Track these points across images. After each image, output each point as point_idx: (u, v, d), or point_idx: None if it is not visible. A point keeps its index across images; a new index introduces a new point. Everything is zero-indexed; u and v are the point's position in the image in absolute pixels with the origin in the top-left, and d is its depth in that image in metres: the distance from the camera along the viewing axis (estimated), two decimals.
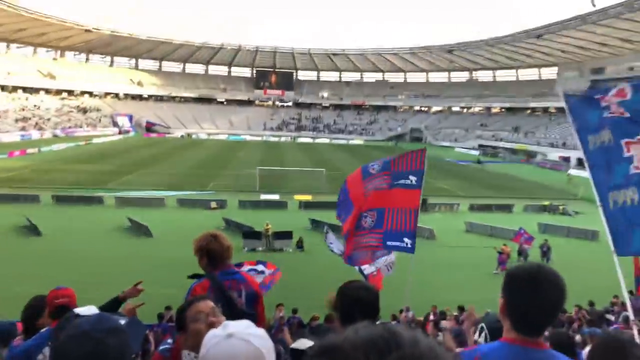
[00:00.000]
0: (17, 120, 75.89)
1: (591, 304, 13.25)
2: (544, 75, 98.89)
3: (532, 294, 1.82)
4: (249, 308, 3.47)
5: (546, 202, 34.19)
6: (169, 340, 3.52)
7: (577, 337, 8.20)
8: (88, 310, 2.30)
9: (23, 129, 73.62)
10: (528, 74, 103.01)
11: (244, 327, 1.50)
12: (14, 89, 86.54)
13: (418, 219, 7.90)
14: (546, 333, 2.35)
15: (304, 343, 3.95)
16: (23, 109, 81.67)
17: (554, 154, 67.72)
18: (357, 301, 2.41)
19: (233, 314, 3.32)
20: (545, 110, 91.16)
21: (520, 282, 1.86)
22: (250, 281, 3.59)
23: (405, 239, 7.72)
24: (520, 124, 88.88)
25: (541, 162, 65.79)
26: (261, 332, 1.53)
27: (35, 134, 72.54)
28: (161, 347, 3.65)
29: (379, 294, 2.52)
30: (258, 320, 3.62)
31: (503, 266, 19.90)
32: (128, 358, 1.48)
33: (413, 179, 7.80)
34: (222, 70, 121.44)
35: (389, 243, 7.74)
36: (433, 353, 0.56)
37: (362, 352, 0.56)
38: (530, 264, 1.96)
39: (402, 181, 7.76)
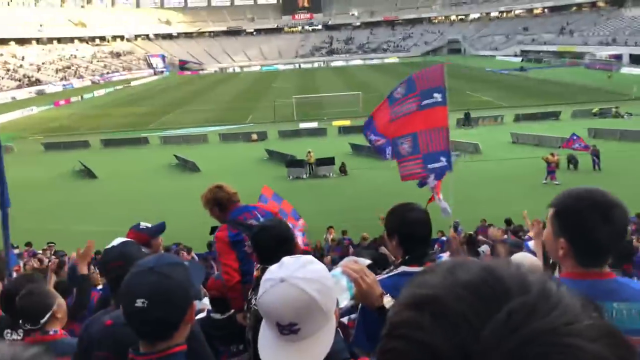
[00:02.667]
0: (57, 71, 77.44)
1: None
2: None
3: (608, 229, 1.63)
4: None
5: (595, 110, 32.54)
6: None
7: None
8: (115, 241, 2.58)
9: (63, 78, 75.22)
10: None
11: (297, 268, 1.41)
12: (49, 40, 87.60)
13: (449, 135, 7.92)
14: None
15: (362, 262, 4.09)
16: (60, 59, 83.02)
17: (604, 53, 63.59)
18: (415, 222, 2.37)
19: None
20: (593, 5, 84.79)
21: (591, 220, 1.64)
22: (262, 206, 3.77)
23: (442, 158, 7.81)
24: (565, 24, 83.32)
25: (589, 62, 62.02)
26: (316, 271, 1.43)
27: (75, 83, 74.10)
28: (217, 273, 3.90)
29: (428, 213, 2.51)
30: None
31: (552, 175, 19.48)
32: (191, 292, 1.60)
33: (437, 96, 7.65)
34: None
35: (429, 166, 7.87)
36: (548, 298, 0.50)
37: (467, 305, 0.50)
38: (580, 191, 1.72)
39: (428, 100, 7.63)
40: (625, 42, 63.62)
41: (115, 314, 2.07)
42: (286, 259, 1.49)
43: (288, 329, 1.39)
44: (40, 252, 12.41)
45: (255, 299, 2.36)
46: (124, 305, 1.56)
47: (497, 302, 0.50)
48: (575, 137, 20.84)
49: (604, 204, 1.65)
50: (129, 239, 2.69)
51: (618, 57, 60.64)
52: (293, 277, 1.38)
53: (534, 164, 20.93)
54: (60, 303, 2.68)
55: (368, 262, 3.50)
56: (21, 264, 9.13)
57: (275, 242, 2.39)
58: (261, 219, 3.54)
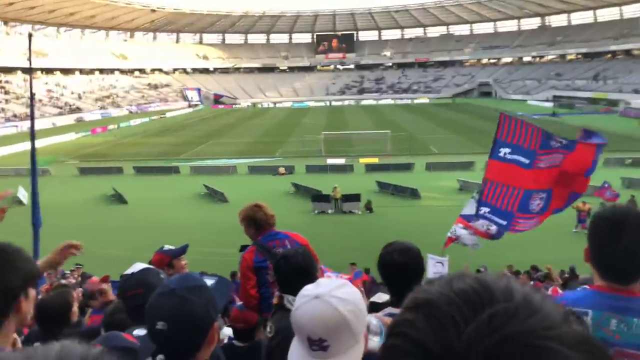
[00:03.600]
0: (96, 100, 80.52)
1: None
2: (625, 13, 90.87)
3: (614, 238, 1.68)
4: None
5: (628, 161, 31.83)
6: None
7: None
8: (134, 267, 2.54)
9: (102, 107, 78.09)
10: (607, 14, 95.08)
11: (332, 288, 1.46)
12: (91, 71, 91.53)
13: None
14: None
15: (381, 297, 4.12)
16: (100, 89, 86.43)
17: (639, 101, 62.58)
18: (392, 264, 2.40)
19: None
20: (628, 52, 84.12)
21: (603, 226, 1.74)
22: (295, 237, 3.71)
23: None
24: (600, 70, 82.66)
25: (624, 110, 61.01)
26: (351, 293, 1.48)
27: (113, 112, 76.74)
28: (239, 304, 3.94)
29: (419, 255, 2.48)
30: None
31: (583, 224, 19.02)
32: (212, 313, 1.64)
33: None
34: (283, 38, 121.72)
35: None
36: (530, 305, 0.54)
37: (456, 308, 0.55)
38: (615, 208, 1.83)
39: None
40: None
41: None
42: (323, 280, 1.57)
43: (318, 345, 1.44)
44: (69, 272, 12.68)
45: (271, 326, 2.41)
46: (148, 326, 1.62)
47: (482, 307, 0.54)
48: (607, 185, 20.33)
49: (619, 218, 1.72)
50: (148, 266, 2.65)
51: None
52: (328, 294, 1.44)
53: (566, 212, 20.46)
54: (75, 310, 2.81)
55: (387, 297, 3.53)
56: (48, 284, 9.34)
57: (295, 272, 2.40)
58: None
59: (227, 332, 4.21)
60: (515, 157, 6.31)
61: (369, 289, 11.32)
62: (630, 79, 73.37)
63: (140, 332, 2.17)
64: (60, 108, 71.06)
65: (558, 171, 6.27)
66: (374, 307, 3.80)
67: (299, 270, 2.41)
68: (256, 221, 3.73)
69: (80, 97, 79.01)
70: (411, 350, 0.55)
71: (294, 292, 2.36)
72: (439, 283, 0.61)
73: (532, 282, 10.37)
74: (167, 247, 3.63)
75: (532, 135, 6.35)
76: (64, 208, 22.68)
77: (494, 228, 7.40)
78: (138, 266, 2.58)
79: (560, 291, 9.04)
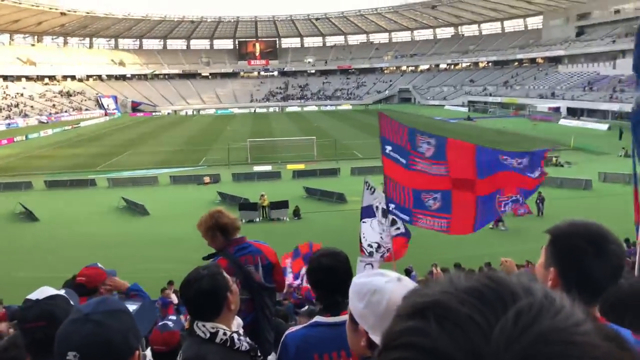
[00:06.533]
0: (0, 109, 74.65)
1: None
2: (529, 25, 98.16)
3: (599, 262, 1.54)
4: (267, 280, 3.46)
5: None
6: (172, 317, 3.56)
7: None
8: (42, 292, 2.15)
9: (8, 117, 72.49)
10: (513, 25, 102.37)
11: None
12: None
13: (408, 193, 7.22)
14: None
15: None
16: (5, 98, 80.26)
17: (544, 105, 67.61)
18: (324, 269, 2.39)
19: (252, 288, 3.34)
20: (533, 61, 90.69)
21: (582, 250, 1.56)
22: (266, 252, 3.55)
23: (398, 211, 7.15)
24: (508, 77, 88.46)
25: (531, 114, 65.69)
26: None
27: (20, 122, 71.46)
28: (160, 323, 3.68)
29: (346, 259, 2.49)
30: (278, 285, 3.65)
31: (495, 223, 20.00)
32: (132, 340, 1.47)
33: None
34: (204, 43, 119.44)
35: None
36: (552, 303, 0.50)
37: (472, 308, 0.49)
38: (577, 222, 1.65)
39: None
40: (562, 96, 67.95)
41: None
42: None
43: None
44: None
45: (180, 354, 2.22)
46: (56, 358, 1.41)
47: (503, 304, 0.49)
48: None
49: (600, 237, 1.58)
50: (57, 293, 2.21)
51: (557, 110, 64.53)
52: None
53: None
54: None
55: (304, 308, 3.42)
56: None
57: (199, 297, 2.21)
58: (260, 268, 3.42)
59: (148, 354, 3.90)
60: (395, 155, 6.78)
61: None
62: (535, 84, 79.03)
63: None
64: None
65: (449, 179, 6.59)
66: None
67: (203, 295, 2.20)
68: (222, 227, 3.45)
69: None
70: None
71: (204, 317, 2.19)
72: (439, 283, 0.55)
73: None
74: (99, 264, 3.36)
75: (404, 134, 6.82)
76: None
77: (394, 229, 7.52)
78: (45, 292, 2.17)
79: None
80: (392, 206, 6.99)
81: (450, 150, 6.63)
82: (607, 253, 1.55)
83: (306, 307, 6.46)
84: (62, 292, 2.28)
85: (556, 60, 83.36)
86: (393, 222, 7.35)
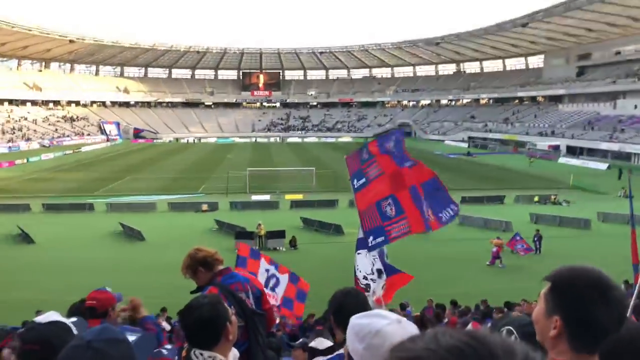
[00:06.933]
0: (3, 132, 75.16)
1: None
2: (531, 64, 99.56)
3: (607, 309, 1.50)
4: (257, 307, 3.45)
5: (536, 198, 34.24)
6: (168, 346, 3.48)
7: None
8: (47, 317, 2.22)
9: (10, 140, 72.93)
10: (515, 64, 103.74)
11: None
12: (0, 102, 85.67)
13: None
14: None
15: (322, 342, 3.90)
16: (8, 121, 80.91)
17: (544, 143, 68.09)
18: (344, 307, 2.48)
19: (246, 315, 3.29)
20: (534, 99, 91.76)
21: (590, 298, 1.52)
22: (253, 280, 3.56)
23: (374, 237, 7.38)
24: (509, 114, 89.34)
25: (531, 152, 66.12)
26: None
27: (22, 145, 71.92)
28: (155, 350, 3.61)
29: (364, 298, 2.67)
30: (268, 318, 3.58)
31: (493, 260, 19.89)
32: None
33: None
34: (208, 73, 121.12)
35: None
36: None
37: None
38: (578, 268, 1.60)
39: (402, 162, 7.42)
40: (562, 134, 68.50)
41: None
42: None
43: None
44: None
45: None
46: None
47: None
48: (518, 238, 20.56)
49: (603, 283, 1.54)
50: (60, 320, 2.27)
51: (556, 148, 64.96)
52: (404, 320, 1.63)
53: (481, 246, 21.44)
54: None
55: (328, 343, 3.47)
56: None
57: (198, 324, 2.24)
58: (251, 295, 3.40)
59: None
60: (360, 182, 7.48)
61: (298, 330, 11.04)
62: (536, 122, 79.78)
63: None
64: None
65: (386, 177, 7.25)
66: (313, 354, 3.65)
67: (203, 322, 2.23)
68: (201, 261, 3.42)
69: None
70: None
71: (202, 346, 2.18)
72: (424, 339, 0.55)
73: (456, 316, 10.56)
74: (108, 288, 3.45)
75: (356, 157, 7.65)
76: None
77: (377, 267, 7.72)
78: (49, 317, 2.26)
79: (478, 325, 9.24)
80: (370, 238, 7.23)
81: (371, 147, 7.49)
82: (612, 300, 1.51)
83: (300, 340, 6.35)
84: (69, 320, 2.31)
85: (557, 99, 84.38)
86: (380, 273, 7.58)
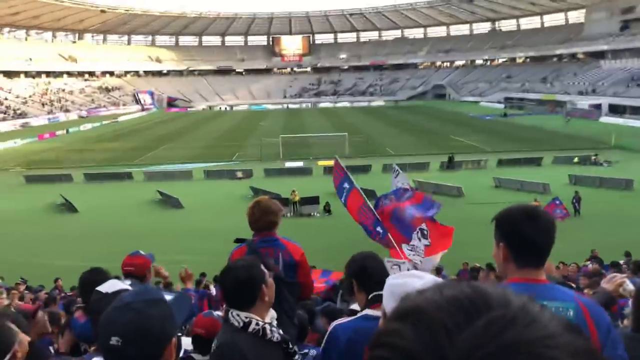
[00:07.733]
0: (43, 104, 77.36)
1: (627, 254, 12.87)
2: (570, 19, 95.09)
3: (533, 221, 1.89)
4: (288, 276, 3.44)
5: (575, 159, 33.17)
6: (219, 313, 3.60)
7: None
8: (111, 286, 2.23)
9: (50, 112, 75.09)
10: (554, 20, 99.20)
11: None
12: (38, 74, 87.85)
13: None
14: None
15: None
16: (46, 93, 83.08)
17: (584, 102, 65.48)
18: (365, 270, 2.57)
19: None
20: (573, 56, 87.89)
21: (520, 215, 1.92)
22: (291, 249, 3.57)
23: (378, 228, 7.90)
24: (547, 73, 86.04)
25: (570, 111, 63.75)
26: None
27: (62, 116, 73.94)
28: (207, 311, 3.76)
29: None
30: (304, 288, 3.64)
31: None
32: (170, 328, 1.55)
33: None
34: (238, 40, 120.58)
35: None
36: (527, 315, 0.51)
37: (447, 315, 0.52)
38: (512, 206, 2.03)
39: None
40: (604, 93, 65.70)
41: None
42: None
43: None
44: (15, 286, 12.02)
45: (215, 341, 2.30)
46: (100, 342, 1.52)
47: (477, 313, 0.51)
48: (558, 202, 19.79)
49: (532, 210, 1.97)
50: (124, 287, 2.22)
51: (597, 107, 62.40)
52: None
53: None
54: (21, 340, 2.54)
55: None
56: None
57: (234, 285, 2.30)
58: (281, 262, 3.44)
59: (187, 341, 3.98)
60: (348, 186, 8.48)
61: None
62: (575, 80, 76.69)
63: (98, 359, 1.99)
64: (4, 113, 67.83)
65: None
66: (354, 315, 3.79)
67: (239, 284, 2.30)
68: (263, 207, 3.57)
69: (25, 102, 75.75)
70: None
71: (238, 306, 2.26)
72: (429, 290, 0.59)
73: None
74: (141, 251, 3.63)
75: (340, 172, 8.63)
76: (8, 217, 21.65)
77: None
78: (114, 285, 2.23)
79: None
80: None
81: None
82: (539, 220, 1.90)
83: (326, 304, 6.32)
84: (127, 286, 2.33)
85: (598, 56, 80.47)
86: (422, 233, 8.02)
